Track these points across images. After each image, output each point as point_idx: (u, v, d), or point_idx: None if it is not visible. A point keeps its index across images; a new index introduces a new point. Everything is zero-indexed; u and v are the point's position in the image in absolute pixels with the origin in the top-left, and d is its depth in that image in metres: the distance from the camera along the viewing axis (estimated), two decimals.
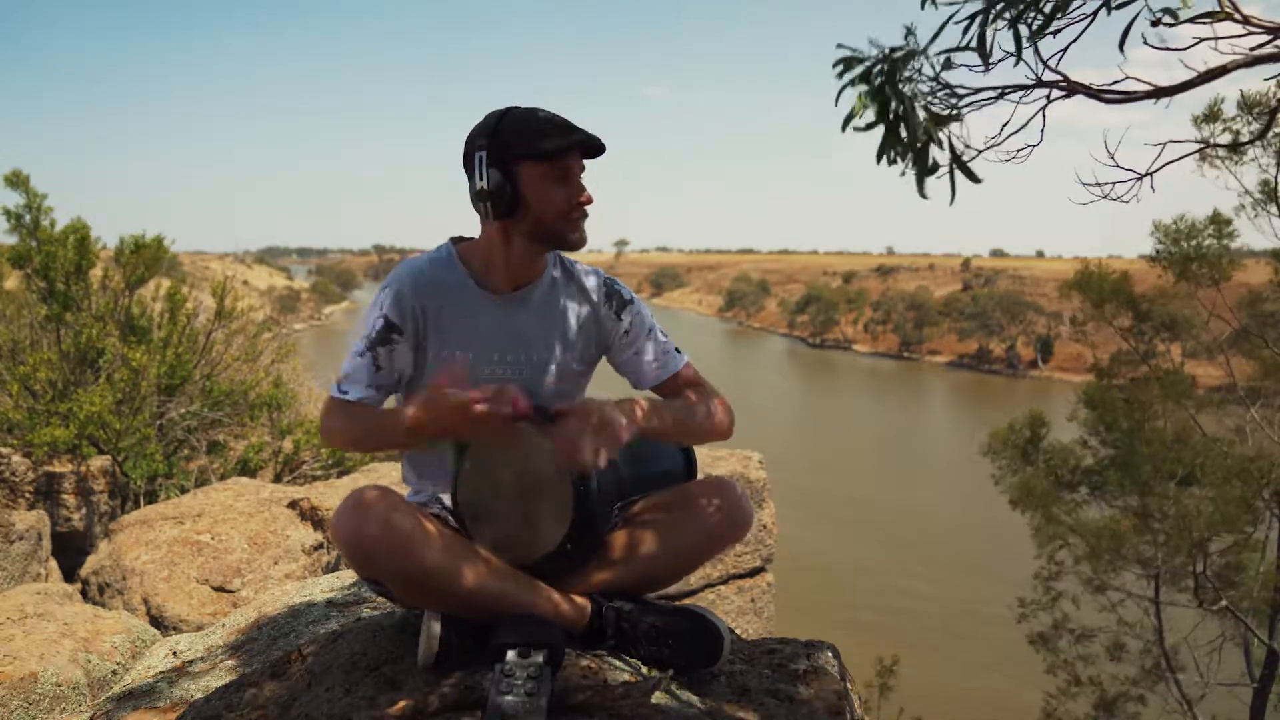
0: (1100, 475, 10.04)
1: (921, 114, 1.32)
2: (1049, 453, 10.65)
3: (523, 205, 1.54)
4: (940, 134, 1.33)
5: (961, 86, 1.36)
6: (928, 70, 1.32)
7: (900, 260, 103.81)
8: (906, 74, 1.29)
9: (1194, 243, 9.29)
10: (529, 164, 1.53)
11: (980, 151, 1.41)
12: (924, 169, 1.32)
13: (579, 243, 1.61)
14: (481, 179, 1.53)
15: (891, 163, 1.34)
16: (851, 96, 1.32)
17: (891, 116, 1.29)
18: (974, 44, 1.28)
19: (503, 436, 1.42)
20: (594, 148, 1.58)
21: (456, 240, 1.68)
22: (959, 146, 1.35)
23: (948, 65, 1.32)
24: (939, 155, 1.36)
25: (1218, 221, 9.23)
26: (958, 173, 1.35)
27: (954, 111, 1.35)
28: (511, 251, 1.60)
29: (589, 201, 1.58)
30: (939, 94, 1.34)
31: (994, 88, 1.39)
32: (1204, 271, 9.20)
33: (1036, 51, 1.34)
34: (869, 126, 1.34)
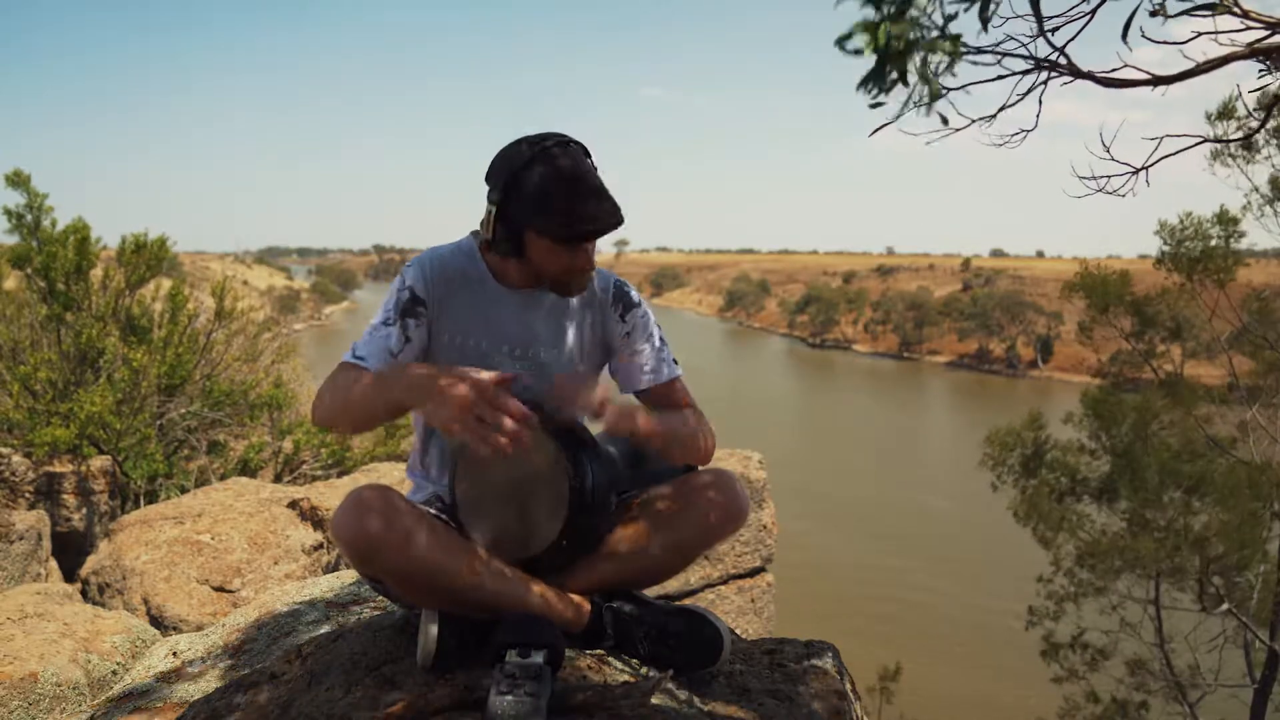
0: (1105, 483, 10.00)
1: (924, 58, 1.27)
2: (1051, 465, 10.58)
3: (525, 256, 1.56)
4: (933, 70, 1.29)
5: (965, 44, 1.34)
6: (937, 19, 1.29)
7: (900, 260, 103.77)
8: (913, 14, 1.25)
9: (1199, 244, 9.24)
10: (539, 237, 1.52)
11: (974, 121, 1.41)
12: (934, 95, 1.27)
13: (577, 292, 1.63)
14: (486, 230, 1.55)
15: (873, 95, 1.29)
16: (852, 12, 1.27)
17: (888, 49, 1.25)
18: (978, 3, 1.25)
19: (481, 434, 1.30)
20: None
21: (476, 233, 1.69)
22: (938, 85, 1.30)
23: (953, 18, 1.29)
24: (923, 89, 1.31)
25: (1224, 220, 9.19)
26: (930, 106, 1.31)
27: (954, 53, 1.31)
28: (521, 272, 1.63)
29: (591, 269, 1.60)
30: (943, 44, 1.31)
31: (994, 51, 1.37)
32: (1209, 274, 9.16)
33: (1044, 34, 1.34)
34: (860, 53, 1.29)
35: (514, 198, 1.49)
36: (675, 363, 1.75)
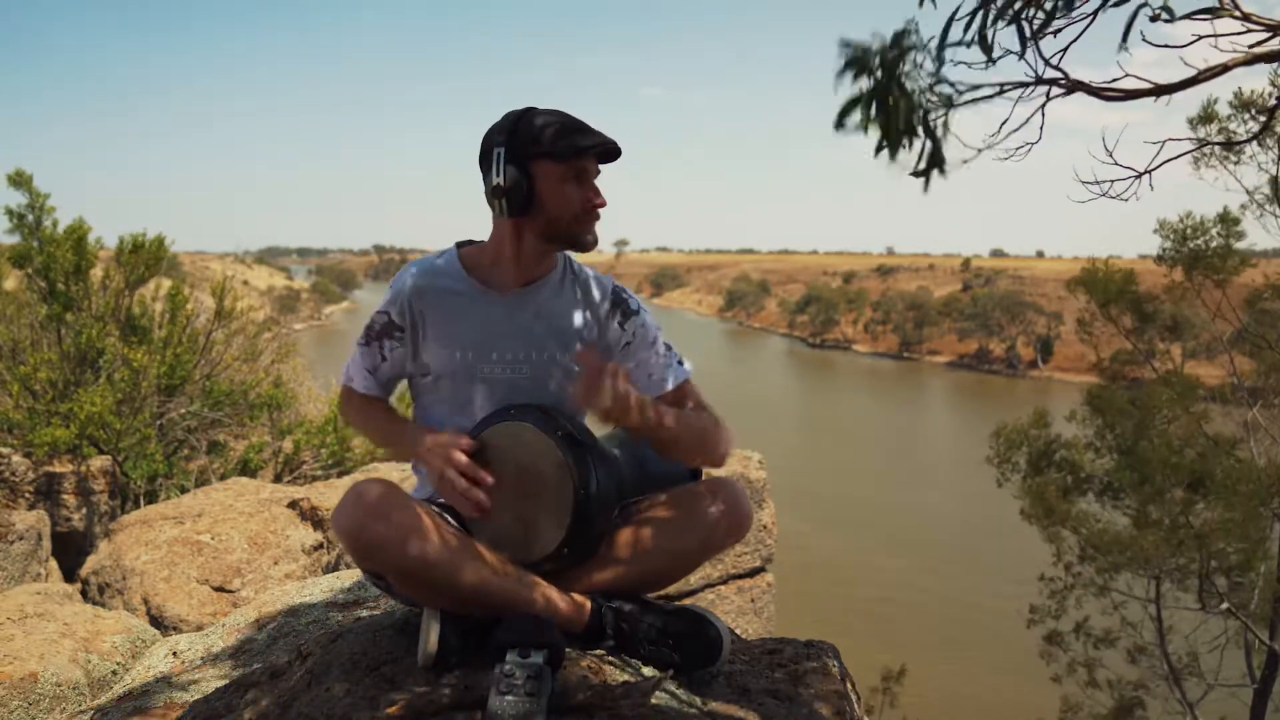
0: (1110, 479, 9.99)
1: (918, 104, 1.28)
2: (1059, 464, 10.57)
3: (537, 203, 1.56)
4: (933, 122, 1.29)
5: (961, 83, 1.34)
6: (928, 66, 1.29)
7: (900, 260, 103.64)
8: (906, 68, 1.26)
9: (1201, 241, 9.26)
10: (546, 163, 1.55)
11: (980, 150, 1.40)
12: (935, 160, 1.28)
13: (590, 244, 1.62)
14: (498, 175, 1.55)
15: (892, 153, 1.30)
16: (847, 90, 1.28)
17: (889, 112, 1.26)
18: (975, 39, 1.26)
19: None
20: (611, 151, 1.60)
21: (462, 244, 1.70)
22: (940, 135, 1.30)
23: (945, 54, 1.29)
24: (919, 144, 1.31)
25: (1226, 220, 9.20)
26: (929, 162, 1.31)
27: (950, 102, 1.31)
28: (522, 249, 1.62)
29: (603, 205, 1.60)
30: (938, 89, 1.31)
31: (994, 84, 1.38)
32: (1210, 271, 9.17)
33: (1037, 49, 1.34)
34: (866, 127, 1.30)
35: (519, 133, 1.55)
36: (683, 364, 1.72)
